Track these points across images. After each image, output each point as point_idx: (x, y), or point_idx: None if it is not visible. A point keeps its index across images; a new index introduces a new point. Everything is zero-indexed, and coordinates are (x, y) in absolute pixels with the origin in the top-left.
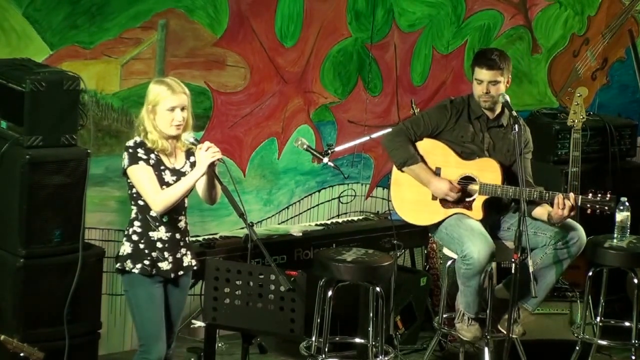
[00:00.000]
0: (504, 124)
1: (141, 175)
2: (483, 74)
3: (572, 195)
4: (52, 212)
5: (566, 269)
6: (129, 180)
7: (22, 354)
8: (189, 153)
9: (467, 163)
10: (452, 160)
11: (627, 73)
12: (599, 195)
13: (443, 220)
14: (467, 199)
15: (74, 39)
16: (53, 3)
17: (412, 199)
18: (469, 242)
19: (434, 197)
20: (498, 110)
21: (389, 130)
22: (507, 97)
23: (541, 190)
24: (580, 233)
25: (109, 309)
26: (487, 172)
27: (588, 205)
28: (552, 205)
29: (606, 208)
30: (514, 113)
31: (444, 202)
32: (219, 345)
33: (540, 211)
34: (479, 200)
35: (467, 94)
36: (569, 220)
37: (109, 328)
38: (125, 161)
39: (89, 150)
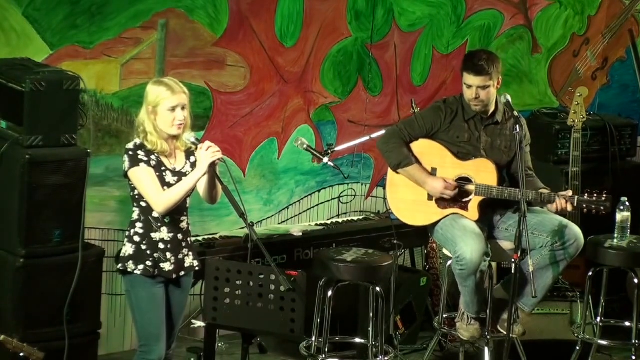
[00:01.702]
0: (499, 120)
1: (142, 177)
2: (471, 79)
3: (569, 192)
4: (52, 212)
5: (563, 270)
6: (130, 183)
7: (22, 354)
8: (189, 153)
9: (463, 164)
10: (448, 161)
11: (628, 73)
12: (595, 195)
13: (440, 221)
14: (463, 200)
15: (73, 38)
16: (53, 3)
17: (408, 199)
18: (461, 243)
19: (430, 198)
20: (492, 108)
21: (384, 132)
22: (509, 97)
23: (536, 191)
24: (577, 234)
25: (109, 309)
26: (483, 172)
27: (584, 205)
28: (549, 203)
29: (602, 208)
30: (516, 113)
31: (440, 203)
32: (219, 345)
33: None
34: (474, 201)
35: (460, 94)
36: (567, 221)
37: (109, 328)
38: (126, 164)
39: (88, 150)
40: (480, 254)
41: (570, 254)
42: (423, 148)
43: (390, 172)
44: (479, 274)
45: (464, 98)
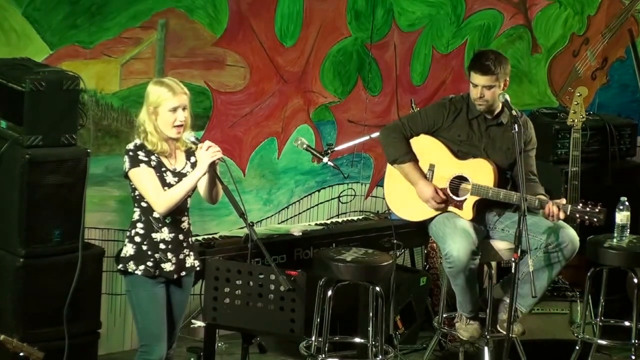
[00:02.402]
0: (504, 122)
1: (143, 178)
2: (477, 78)
3: (563, 200)
4: (51, 211)
5: (558, 272)
6: (131, 183)
7: (21, 354)
8: (189, 153)
9: (462, 162)
10: (447, 159)
11: (627, 73)
12: (589, 206)
13: (434, 218)
14: (459, 199)
15: (73, 38)
16: (53, 3)
17: (404, 193)
18: (449, 241)
19: None
20: (497, 109)
21: (387, 124)
22: (507, 97)
23: (533, 196)
24: (572, 237)
25: (108, 309)
26: (480, 173)
27: (577, 215)
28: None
29: (595, 220)
30: (514, 112)
31: None
32: (219, 345)
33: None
34: (470, 201)
35: (467, 93)
36: (562, 223)
37: (109, 328)
38: (127, 164)
39: (88, 150)
40: (467, 252)
41: (565, 256)
42: (423, 144)
43: (389, 165)
44: (467, 272)
45: (471, 97)
